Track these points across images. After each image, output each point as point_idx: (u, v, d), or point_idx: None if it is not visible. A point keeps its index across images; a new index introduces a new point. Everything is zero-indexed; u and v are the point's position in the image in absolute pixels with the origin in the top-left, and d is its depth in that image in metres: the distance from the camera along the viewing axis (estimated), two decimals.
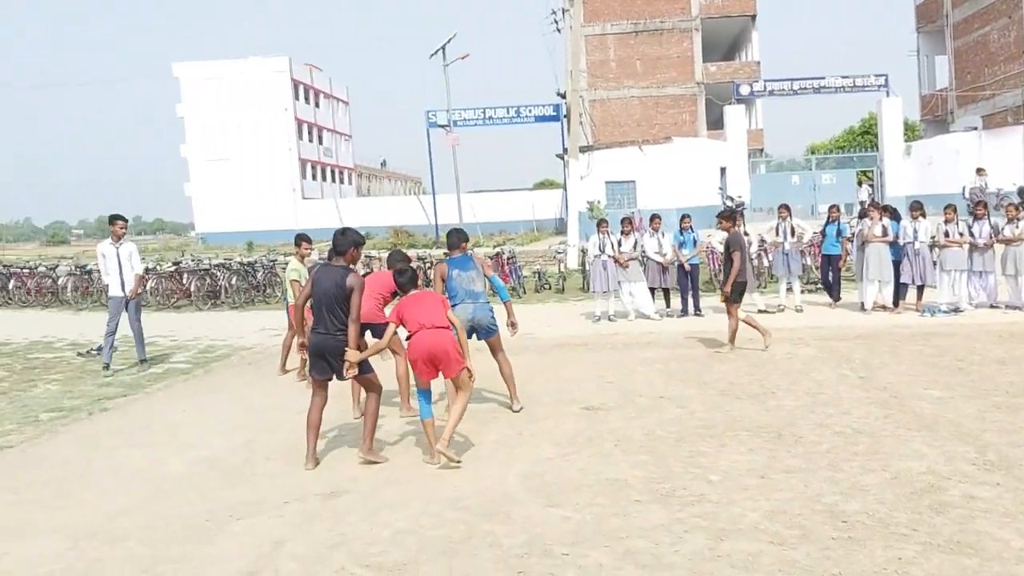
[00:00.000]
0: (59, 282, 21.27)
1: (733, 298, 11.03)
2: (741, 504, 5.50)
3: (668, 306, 14.93)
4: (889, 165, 35.93)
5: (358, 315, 6.74)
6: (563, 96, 34.51)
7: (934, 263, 13.63)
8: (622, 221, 14.71)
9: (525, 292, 19.10)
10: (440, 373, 6.84)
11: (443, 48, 34.67)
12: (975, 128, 39.58)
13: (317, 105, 65.36)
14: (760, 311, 14.14)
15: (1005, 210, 14.27)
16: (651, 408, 8.16)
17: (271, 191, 55.32)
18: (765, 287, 16.76)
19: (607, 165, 33.58)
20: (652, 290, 14.52)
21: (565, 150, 32.45)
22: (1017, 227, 13.08)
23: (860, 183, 37.59)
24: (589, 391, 8.97)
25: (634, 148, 35.34)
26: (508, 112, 40.77)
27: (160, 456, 7.30)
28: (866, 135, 60.54)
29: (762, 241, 16.04)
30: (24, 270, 22.67)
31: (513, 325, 8.37)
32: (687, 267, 14.36)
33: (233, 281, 19.62)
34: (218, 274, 19.85)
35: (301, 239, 10.58)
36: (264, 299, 19.64)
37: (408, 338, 6.83)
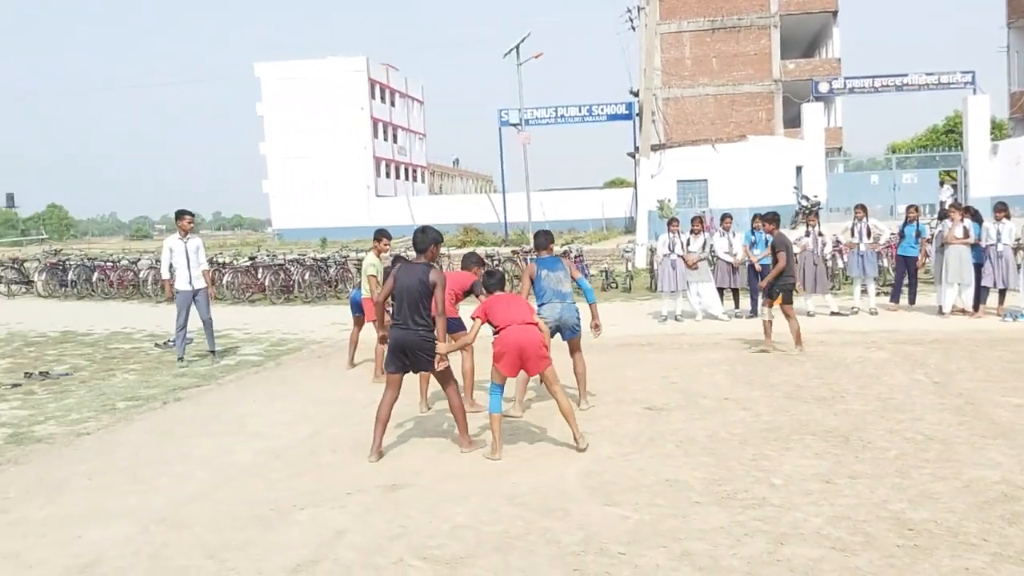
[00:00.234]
0: (140, 275, 21.92)
1: (786, 299, 10.91)
2: (804, 509, 5.40)
3: (737, 307, 14.73)
4: (974, 165, 34.82)
5: (443, 310, 6.89)
6: (636, 94, 34.26)
7: (1018, 266, 13.18)
8: (692, 220, 14.55)
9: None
10: (523, 370, 6.94)
11: (517, 47, 34.70)
12: None
13: (393, 104, 66.12)
14: (833, 313, 13.88)
15: None
16: (715, 410, 8.07)
17: (346, 188, 56.19)
18: (839, 289, 16.41)
19: (679, 164, 33.26)
20: (721, 290, 14.35)
21: (636, 148, 32.21)
22: None
23: (942, 183, 36.49)
24: (652, 391, 8.91)
25: (707, 147, 34.95)
26: (580, 111, 40.59)
27: (229, 445, 7.49)
28: (950, 134, 58.75)
29: (837, 242, 15.72)
30: (107, 263, 23.43)
31: (597, 327, 8.40)
32: (758, 267, 14.13)
33: (306, 276, 20.00)
34: (292, 269, 20.25)
35: (381, 235, 10.59)
36: (336, 294, 19.96)
37: (496, 332, 6.91)
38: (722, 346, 11.61)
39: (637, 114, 33.69)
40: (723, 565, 4.64)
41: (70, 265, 23.44)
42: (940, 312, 13.42)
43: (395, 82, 66.63)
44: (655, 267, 17.64)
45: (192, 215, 11.87)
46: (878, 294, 14.68)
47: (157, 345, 13.39)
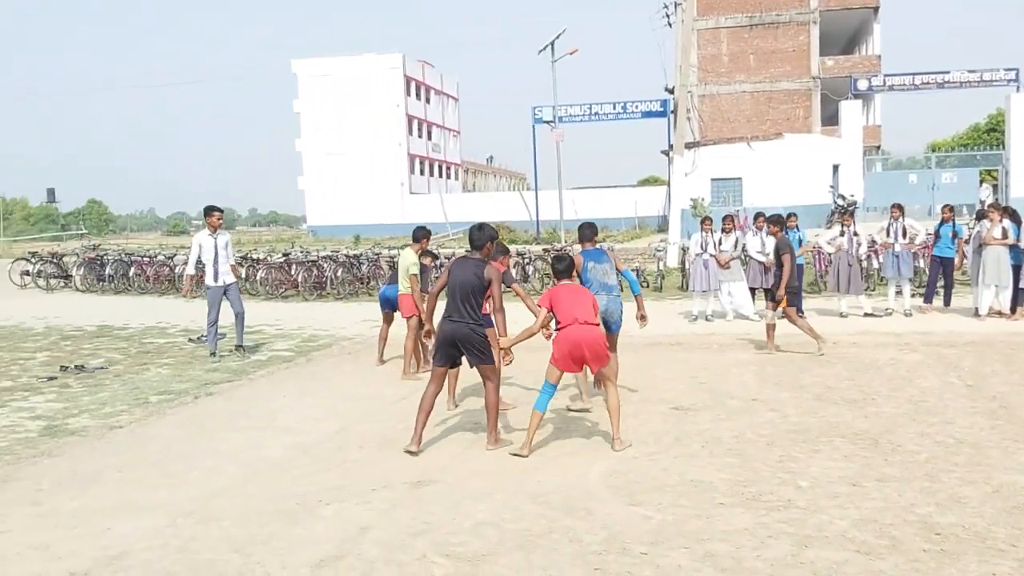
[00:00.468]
0: (176, 270, 22.22)
1: (790, 303, 10.82)
2: (829, 511, 5.35)
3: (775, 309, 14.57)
4: (1016, 164, 34.27)
5: (502, 304, 7.06)
6: (671, 91, 34.12)
7: None
8: (724, 219, 14.46)
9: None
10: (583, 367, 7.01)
11: (552, 44, 34.67)
12: None
13: (428, 101, 66.33)
14: (866, 314, 13.73)
15: None
16: (742, 410, 8.02)
17: (380, 186, 56.49)
18: (873, 290, 16.22)
19: (713, 162, 33.08)
20: (752, 290, 14.23)
21: (670, 146, 32.05)
22: None
23: (982, 182, 35.94)
24: (679, 391, 8.88)
25: (742, 144, 34.70)
26: (614, 108, 40.55)
27: (258, 440, 7.57)
28: (992, 132, 57.83)
29: (872, 242, 15.54)
30: (144, 258, 23.78)
31: (643, 317, 8.41)
32: None
33: (339, 273, 20.15)
34: (325, 266, 20.41)
35: (422, 233, 10.46)
36: (367, 291, 20.07)
37: (557, 329, 6.95)
38: (752, 347, 11.52)
39: (672, 111, 33.55)
40: (746, 567, 4.61)
41: (108, 260, 23.83)
42: (976, 314, 13.22)
43: (430, 79, 66.83)
44: (687, 266, 17.59)
45: (221, 211, 11.97)
46: (913, 295, 14.49)
47: (190, 340, 13.57)
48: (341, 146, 57.62)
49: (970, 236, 14.06)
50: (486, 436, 7.16)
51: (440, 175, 68.40)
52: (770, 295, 11.06)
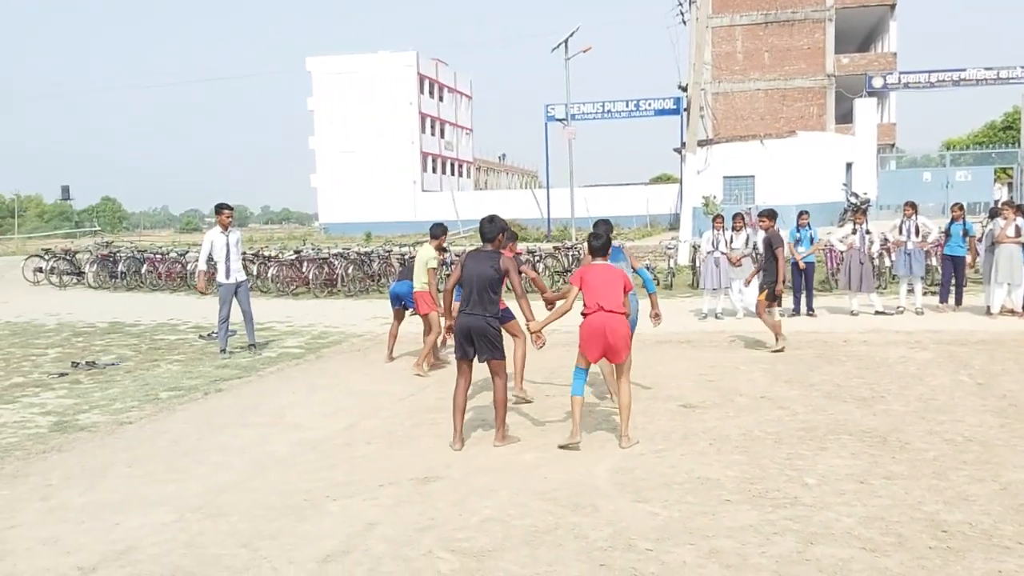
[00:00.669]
0: (188, 267, 22.32)
1: (769, 297, 10.81)
2: (836, 509, 5.34)
3: (779, 305, 14.53)
4: None
5: (523, 291, 7.07)
6: (684, 89, 34.03)
7: None
8: (734, 217, 14.42)
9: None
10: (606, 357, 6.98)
11: (565, 42, 34.63)
12: None
13: (441, 99, 66.37)
14: (877, 312, 13.67)
15: None
16: (750, 408, 8.00)
17: (392, 183, 56.57)
18: (885, 288, 16.15)
19: (726, 159, 32.98)
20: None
21: (683, 144, 31.97)
22: None
23: (996, 180, 35.72)
24: (688, 388, 8.86)
25: (755, 142, 34.59)
26: (627, 105, 40.49)
27: (267, 436, 7.60)
28: (1009, 130, 57.46)
29: (885, 240, 15.47)
30: (156, 255, 23.88)
31: (657, 316, 8.38)
32: (802, 265, 13.98)
33: (349, 270, 20.19)
34: (336, 263, 20.46)
35: (441, 230, 10.51)
36: (378, 288, 20.11)
37: (583, 314, 6.95)
38: (762, 344, 11.48)
39: (685, 109, 33.47)
40: (751, 563, 4.60)
41: (120, 257, 23.96)
42: (988, 312, 13.14)
43: (444, 77, 66.86)
44: (698, 264, 17.56)
45: (231, 209, 11.99)
46: (925, 294, 14.42)
47: (201, 337, 13.63)
48: (354, 144, 57.74)
49: (983, 234, 13.96)
50: (494, 433, 7.17)
51: (452, 173, 68.45)
52: (769, 293, 11.02)
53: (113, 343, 13.44)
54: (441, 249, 10.64)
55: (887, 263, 16.49)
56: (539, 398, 8.69)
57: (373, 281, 20.50)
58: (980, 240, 14.13)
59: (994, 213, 13.99)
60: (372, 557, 4.88)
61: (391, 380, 9.97)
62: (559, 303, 7.37)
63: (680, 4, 31.85)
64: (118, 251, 25.14)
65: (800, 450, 6.62)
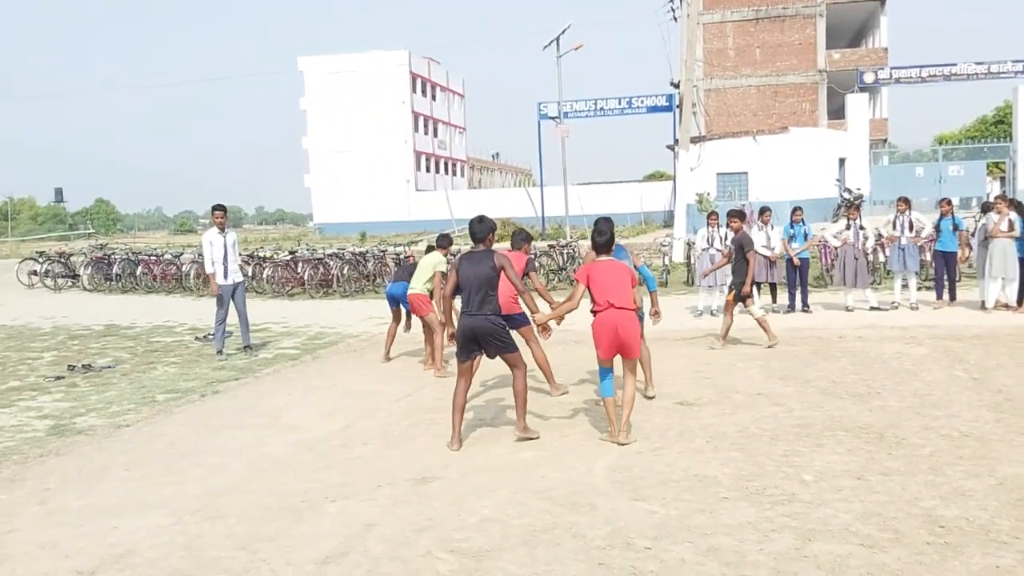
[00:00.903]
0: (183, 269, 22.28)
1: (736, 297, 10.87)
2: (833, 505, 5.35)
3: (774, 301, 14.60)
4: (1023, 156, 34.07)
5: (523, 286, 7.14)
6: (676, 86, 34.02)
7: None
8: (728, 213, 14.41)
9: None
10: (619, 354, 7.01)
11: (557, 39, 34.60)
12: None
13: (434, 98, 66.34)
14: (872, 308, 13.71)
15: None
16: (747, 405, 8.02)
17: (386, 183, 56.53)
18: (880, 283, 16.19)
19: (719, 156, 33.01)
20: (758, 284, 14.21)
21: (676, 141, 31.99)
22: None
23: (989, 174, 35.81)
24: (684, 386, 8.88)
25: (748, 139, 34.64)
26: (620, 103, 40.46)
27: (263, 438, 7.60)
28: (1000, 124, 57.58)
29: (878, 235, 15.50)
30: (151, 257, 23.83)
31: (656, 314, 8.47)
32: (796, 261, 14.00)
33: (345, 270, 20.18)
34: (331, 263, 20.43)
35: (448, 242, 10.57)
36: (374, 288, 20.12)
37: (592, 311, 6.99)
38: (757, 341, 11.50)
39: (677, 106, 33.48)
40: (749, 560, 4.62)
41: (115, 259, 23.90)
42: (983, 307, 13.18)
43: (436, 76, 66.83)
44: (693, 261, 17.57)
45: (224, 209, 11.95)
46: (919, 289, 14.45)
47: (197, 339, 13.61)
48: (347, 143, 57.69)
49: (976, 229, 13.99)
50: (515, 424, 7.19)
51: (446, 172, 68.43)
52: (736, 294, 11.03)
53: (109, 346, 13.42)
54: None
55: (881, 259, 16.52)
56: (537, 397, 8.68)
57: (368, 281, 20.49)
58: (973, 235, 14.16)
59: (986, 208, 14.02)
60: (370, 558, 4.88)
61: (388, 380, 9.98)
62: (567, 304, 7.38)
63: (671, 1, 31.82)
64: (113, 253, 25.08)
65: (797, 447, 6.63)
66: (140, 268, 23.08)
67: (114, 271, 23.36)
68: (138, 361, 11.86)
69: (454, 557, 4.85)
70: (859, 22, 53.03)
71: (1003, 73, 37.78)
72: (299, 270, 20.37)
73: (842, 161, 34.74)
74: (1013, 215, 12.94)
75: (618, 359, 7.06)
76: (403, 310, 11.07)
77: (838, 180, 33.55)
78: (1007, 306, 13.08)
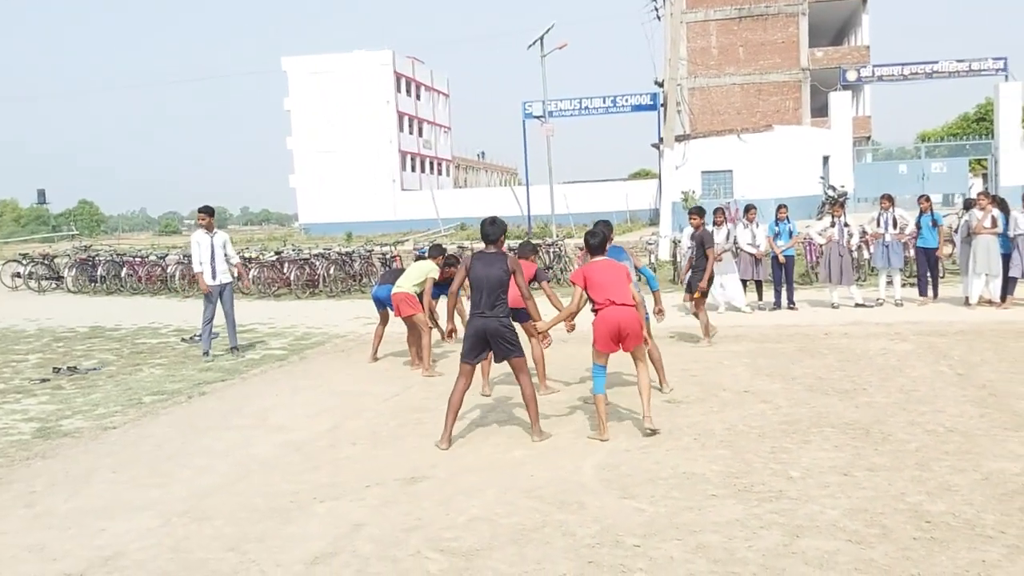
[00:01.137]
0: (168, 270, 22.16)
1: (689, 291, 11.16)
2: (821, 501, 5.39)
3: (760, 299, 14.65)
4: (1005, 153, 34.36)
5: (529, 292, 7.20)
6: (661, 84, 34.07)
7: None
8: (715, 212, 14.47)
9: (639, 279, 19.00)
10: (620, 347, 7.09)
11: (541, 39, 34.57)
12: None
13: (418, 98, 66.28)
14: (857, 304, 13.78)
15: None
16: (734, 402, 8.05)
17: (372, 183, 56.46)
18: (865, 280, 16.28)
19: (704, 154, 33.11)
20: (744, 282, 14.28)
21: (660, 139, 32.04)
22: None
23: (971, 171, 36.06)
24: (671, 384, 8.87)
25: (732, 137, 34.75)
26: (604, 102, 40.44)
27: (251, 439, 7.57)
28: (982, 122, 58.00)
29: (863, 232, 15.58)
30: (136, 259, 23.68)
31: (660, 312, 8.61)
32: (782, 259, 14.06)
33: (331, 271, 20.13)
34: (317, 263, 20.37)
35: (441, 252, 10.67)
36: (360, 288, 20.07)
37: (593, 310, 7.07)
38: (744, 338, 11.56)
39: (662, 105, 33.52)
40: (738, 557, 4.64)
41: (99, 261, 23.73)
42: (967, 303, 13.27)
43: (420, 75, 66.78)
44: (679, 259, 17.62)
45: (209, 211, 11.89)
46: (904, 285, 14.53)
47: (183, 340, 13.54)
48: (332, 144, 57.57)
49: (958, 226, 14.08)
50: (530, 429, 7.18)
51: (431, 171, 68.37)
52: (690, 288, 11.19)
53: (94, 348, 13.34)
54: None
55: (866, 255, 16.60)
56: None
57: (355, 281, 20.44)
58: (956, 231, 14.24)
59: (969, 204, 14.12)
60: (360, 558, 4.88)
61: (375, 380, 9.96)
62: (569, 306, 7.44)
63: (654, 0, 31.89)
64: (97, 255, 24.90)
65: (784, 443, 6.67)
66: (125, 270, 22.91)
67: (99, 273, 23.19)
68: (124, 363, 11.80)
69: (444, 556, 4.85)
70: (841, 20, 53.30)
71: (984, 71, 38.04)
72: (285, 270, 20.30)
73: (826, 159, 34.89)
74: (996, 211, 13.03)
75: (619, 361, 7.13)
76: (390, 312, 11.06)
77: (822, 178, 33.70)
78: (991, 302, 13.17)
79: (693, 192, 31.11)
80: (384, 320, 11.19)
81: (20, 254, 27.42)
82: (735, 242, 14.08)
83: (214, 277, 11.67)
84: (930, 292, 14.04)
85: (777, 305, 14.16)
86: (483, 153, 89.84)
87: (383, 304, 11.01)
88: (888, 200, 14.25)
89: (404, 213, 53.48)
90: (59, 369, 11.25)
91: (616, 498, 5.64)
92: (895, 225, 13.96)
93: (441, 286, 10.60)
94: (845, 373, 9.10)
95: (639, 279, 8.66)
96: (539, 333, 7.11)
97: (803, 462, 6.19)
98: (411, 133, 63.78)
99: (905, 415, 7.32)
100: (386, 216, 52.84)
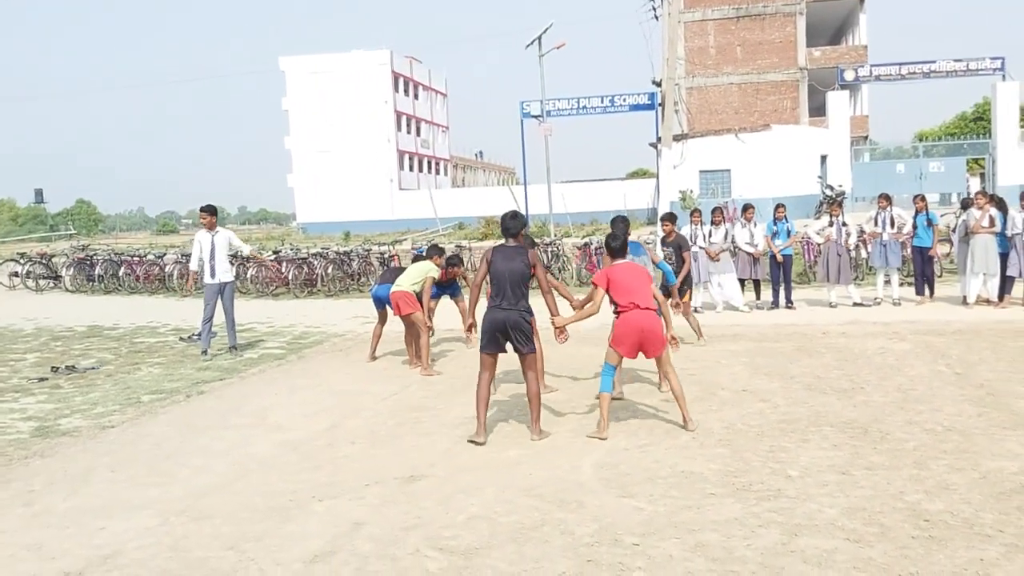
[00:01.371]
0: (166, 269, 22.15)
1: (665, 293, 11.07)
2: (819, 500, 5.40)
3: (758, 298, 14.67)
4: (1002, 153, 34.38)
5: (548, 286, 7.19)
6: (659, 84, 34.10)
7: None
8: (713, 211, 14.48)
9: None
10: (640, 353, 7.12)
11: (539, 38, 34.54)
12: None
13: (416, 97, 66.25)
14: (855, 304, 13.79)
15: None
16: (732, 401, 8.06)
17: (370, 182, 56.43)
18: (862, 279, 16.29)
19: (702, 154, 33.13)
20: (742, 281, 14.29)
21: (658, 139, 32.07)
22: None
23: (969, 171, 36.10)
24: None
25: (730, 136, 34.77)
26: (602, 101, 40.42)
27: (249, 438, 7.57)
28: (979, 121, 58.08)
29: (861, 232, 15.59)
30: (134, 258, 23.67)
31: (676, 305, 8.65)
32: (780, 258, 14.07)
33: (329, 270, 20.13)
34: (315, 263, 20.38)
35: (439, 252, 10.72)
36: (358, 287, 20.08)
37: (616, 312, 7.07)
38: (742, 337, 11.57)
39: (660, 104, 33.55)
40: (736, 556, 4.65)
41: (97, 260, 23.73)
42: (964, 302, 13.29)
43: (418, 75, 66.76)
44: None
45: (207, 211, 11.92)
46: (902, 284, 14.55)
47: (182, 339, 13.54)
48: (330, 143, 57.54)
49: (956, 225, 14.10)
50: (529, 426, 7.19)
51: (429, 171, 68.35)
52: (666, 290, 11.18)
53: (92, 347, 13.33)
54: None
55: (864, 255, 16.62)
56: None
57: (353, 280, 20.46)
58: (954, 231, 14.26)
59: (966, 204, 14.14)
60: (359, 557, 4.88)
61: (373, 380, 9.96)
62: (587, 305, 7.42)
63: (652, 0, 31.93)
64: (95, 254, 24.89)
65: (782, 442, 6.67)
66: (123, 269, 22.91)
67: (96, 272, 23.19)
68: (122, 362, 11.79)
69: (443, 555, 4.85)
70: (839, 20, 53.35)
71: (982, 70, 38.07)
72: (283, 270, 20.30)
73: (824, 158, 34.91)
74: (993, 211, 13.05)
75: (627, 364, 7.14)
76: (389, 312, 11.06)
77: (820, 177, 33.73)
78: (988, 301, 13.19)
79: (691, 191, 31.15)
80: (383, 319, 11.19)
81: (18, 253, 27.40)
82: (733, 241, 14.09)
83: (213, 276, 11.67)
84: (927, 291, 14.06)
85: (775, 304, 14.18)
86: (481, 153, 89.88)
87: (382, 303, 11.01)
88: (886, 199, 14.27)
89: (402, 212, 53.46)
90: (57, 368, 11.24)
91: (615, 497, 5.65)
92: (893, 224, 13.98)
93: (441, 286, 10.62)
94: (843, 372, 9.11)
95: (655, 271, 8.74)
96: (556, 328, 7.09)
97: (801, 461, 6.20)
98: (409, 133, 63.76)
99: (903, 414, 7.33)
100: (384, 215, 52.82)
